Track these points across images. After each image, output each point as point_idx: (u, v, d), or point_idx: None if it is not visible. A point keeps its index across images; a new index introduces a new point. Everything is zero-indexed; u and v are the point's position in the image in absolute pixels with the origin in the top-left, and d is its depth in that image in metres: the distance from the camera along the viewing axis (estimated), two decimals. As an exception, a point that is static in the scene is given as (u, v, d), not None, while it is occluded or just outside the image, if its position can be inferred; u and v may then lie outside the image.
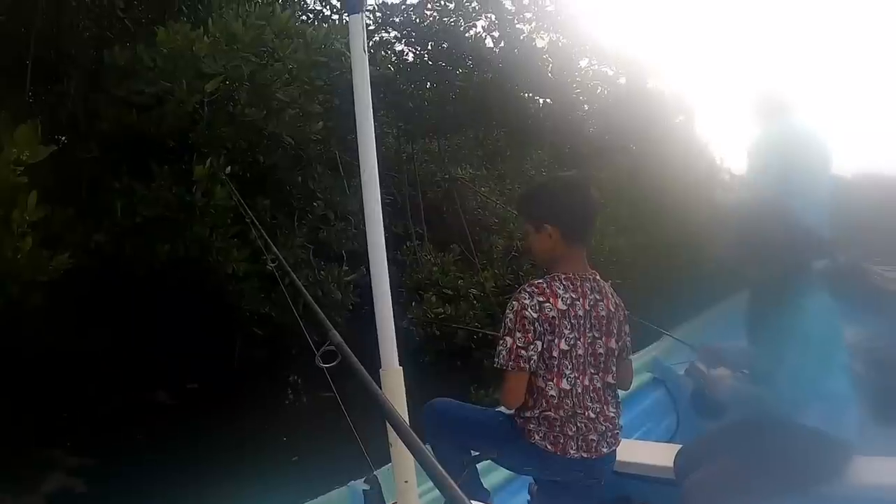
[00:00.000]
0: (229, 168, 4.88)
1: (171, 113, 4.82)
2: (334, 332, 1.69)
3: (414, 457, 1.13)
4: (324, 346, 1.64)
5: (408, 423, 1.71)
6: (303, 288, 2.64)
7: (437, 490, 2.46)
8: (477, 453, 2.98)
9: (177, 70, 4.64)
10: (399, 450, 1.69)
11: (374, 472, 1.46)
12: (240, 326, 6.29)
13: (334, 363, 1.63)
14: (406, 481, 1.68)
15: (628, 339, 2.98)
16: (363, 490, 1.31)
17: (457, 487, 0.93)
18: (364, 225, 5.07)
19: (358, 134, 1.75)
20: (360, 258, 7.16)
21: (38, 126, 3.26)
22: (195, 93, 4.66)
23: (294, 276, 2.90)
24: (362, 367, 1.47)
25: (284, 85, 5.05)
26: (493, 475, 3.33)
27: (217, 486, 5.61)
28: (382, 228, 1.71)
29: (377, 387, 1.36)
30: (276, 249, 3.56)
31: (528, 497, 3.10)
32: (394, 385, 1.72)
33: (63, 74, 5.13)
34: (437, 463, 0.95)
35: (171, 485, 5.45)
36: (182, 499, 5.21)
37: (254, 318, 6.11)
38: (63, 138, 5.03)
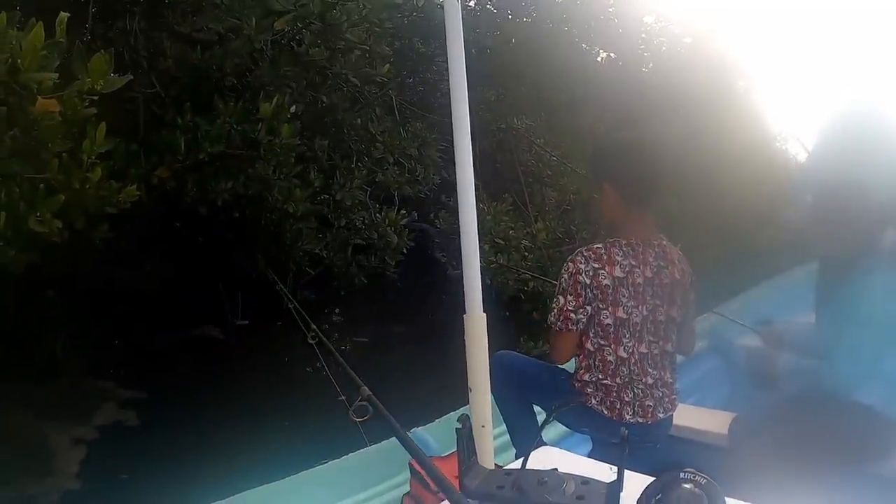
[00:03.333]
0: (294, 107, 4.88)
1: (236, 51, 4.82)
2: (364, 387, 1.81)
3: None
4: (356, 401, 1.77)
5: (487, 369, 1.75)
6: (335, 351, 2.69)
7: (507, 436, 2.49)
8: (538, 408, 3.03)
9: (245, 7, 4.63)
10: (477, 397, 1.72)
11: (466, 413, 1.49)
12: (292, 266, 6.36)
13: (367, 417, 1.76)
14: (483, 426, 1.73)
15: (693, 306, 2.97)
16: (456, 428, 1.34)
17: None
18: (420, 170, 5.09)
19: (451, 85, 1.74)
20: (414, 202, 7.18)
21: (111, 57, 3.25)
22: (263, 31, 4.65)
23: (330, 345, 2.95)
24: (394, 420, 1.56)
25: (353, 25, 5.01)
26: (550, 429, 3.37)
27: (264, 421, 5.73)
28: (472, 176, 1.70)
29: (412, 440, 1.44)
30: (315, 327, 3.56)
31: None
32: (477, 331, 1.73)
33: (124, 11, 5.12)
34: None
35: (224, 418, 5.59)
36: (233, 432, 5.33)
37: (305, 258, 6.16)
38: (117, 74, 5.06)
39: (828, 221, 2.89)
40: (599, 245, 2.77)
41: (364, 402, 1.74)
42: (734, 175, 8.02)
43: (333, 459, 3.29)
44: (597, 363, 2.79)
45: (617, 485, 1.24)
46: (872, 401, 2.69)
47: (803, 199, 3.12)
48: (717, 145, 8.21)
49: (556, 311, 2.79)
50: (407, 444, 1.45)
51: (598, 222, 2.99)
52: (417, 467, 2.72)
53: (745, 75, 9.91)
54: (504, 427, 3.09)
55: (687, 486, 1.19)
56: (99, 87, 3.16)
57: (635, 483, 1.25)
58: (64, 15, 3.06)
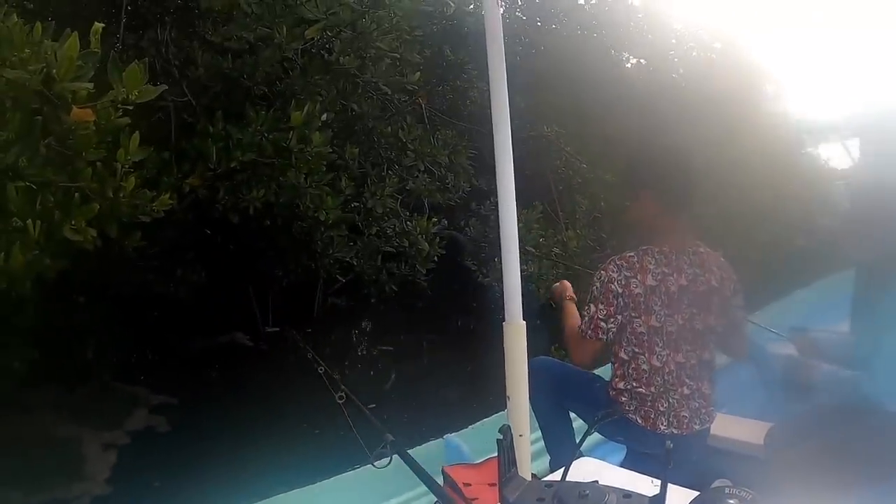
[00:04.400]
0: (325, 115, 4.89)
1: (267, 59, 4.85)
2: (388, 434, 1.91)
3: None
4: (378, 448, 1.88)
5: (526, 378, 1.74)
6: (358, 402, 2.73)
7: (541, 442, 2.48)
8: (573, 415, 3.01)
9: (275, 16, 4.66)
10: (515, 405, 1.71)
11: (507, 423, 1.50)
12: (322, 273, 6.37)
13: (387, 464, 1.86)
14: (521, 435, 1.72)
15: (739, 311, 2.93)
16: (497, 439, 1.33)
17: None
18: (450, 177, 5.06)
19: (491, 90, 1.77)
20: (443, 210, 7.16)
21: (146, 66, 3.27)
22: (294, 39, 4.68)
23: (354, 396, 2.97)
24: (418, 463, 1.58)
25: (384, 34, 5.03)
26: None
27: (294, 427, 5.75)
28: (513, 186, 1.69)
29: (439, 484, 1.46)
30: (343, 387, 3.56)
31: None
32: (516, 340, 1.73)
33: (155, 21, 5.17)
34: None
35: (254, 424, 5.60)
36: (263, 438, 5.35)
37: (336, 266, 6.17)
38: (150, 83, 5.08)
39: (866, 228, 2.85)
40: (632, 253, 2.76)
41: (386, 449, 1.79)
42: (767, 181, 7.93)
43: (365, 465, 3.29)
44: (631, 371, 2.77)
45: (660, 499, 1.22)
46: (913, 413, 2.65)
47: (841, 206, 3.09)
48: (750, 151, 8.12)
49: (586, 318, 2.79)
50: (434, 489, 1.47)
51: (631, 230, 2.97)
52: (450, 473, 2.72)
53: (777, 79, 9.81)
54: (538, 433, 3.08)
55: (731, 501, 1.17)
56: (134, 97, 3.17)
57: (676, 496, 1.23)
58: (98, 25, 3.08)
